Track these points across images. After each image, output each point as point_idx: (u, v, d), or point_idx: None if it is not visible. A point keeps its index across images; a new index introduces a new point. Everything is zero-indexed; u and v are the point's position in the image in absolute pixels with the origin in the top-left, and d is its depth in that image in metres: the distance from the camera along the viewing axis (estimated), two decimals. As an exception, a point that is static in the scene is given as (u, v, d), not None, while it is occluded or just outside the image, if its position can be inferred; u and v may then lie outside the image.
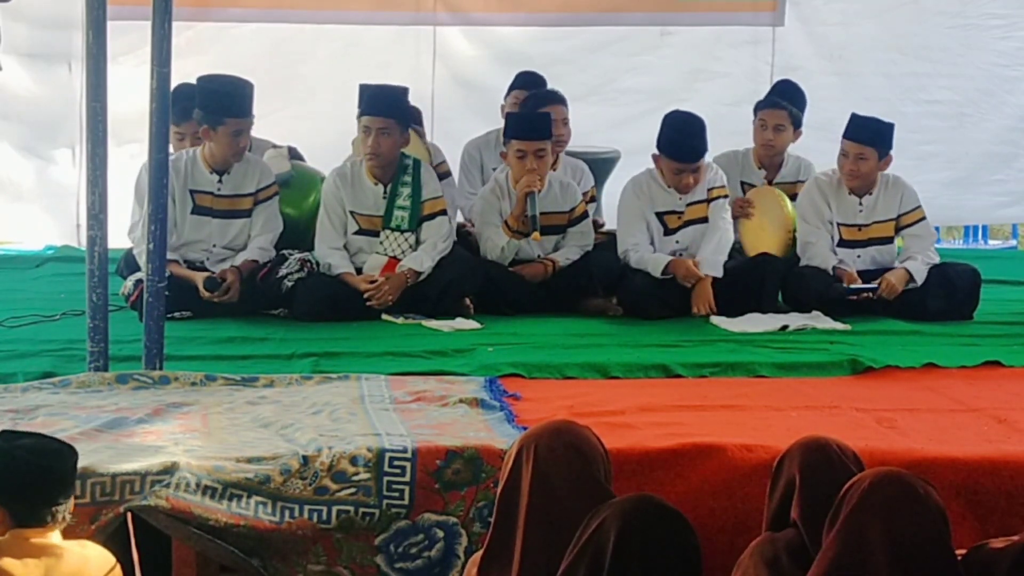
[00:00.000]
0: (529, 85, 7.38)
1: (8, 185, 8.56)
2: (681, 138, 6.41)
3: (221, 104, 6.28)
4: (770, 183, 7.13)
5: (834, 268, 6.49)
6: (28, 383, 4.84)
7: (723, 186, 6.61)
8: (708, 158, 6.62)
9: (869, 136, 6.50)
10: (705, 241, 6.48)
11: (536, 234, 6.43)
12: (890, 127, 6.56)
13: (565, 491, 3.30)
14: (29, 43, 8.22)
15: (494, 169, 7.10)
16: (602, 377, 5.22)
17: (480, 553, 3.47)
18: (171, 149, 6.44)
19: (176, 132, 6.62)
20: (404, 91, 6.59)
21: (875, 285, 6.34)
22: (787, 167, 7.18)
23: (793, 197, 7.01)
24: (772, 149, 7.10)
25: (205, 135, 6.32)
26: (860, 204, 6.58)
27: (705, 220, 6.54)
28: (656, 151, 6.49)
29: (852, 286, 6.37)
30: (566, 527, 3.16)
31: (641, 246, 6.47)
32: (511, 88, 7.50)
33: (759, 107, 7.17)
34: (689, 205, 6.53)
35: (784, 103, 7.13)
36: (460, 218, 7.13)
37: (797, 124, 7.12)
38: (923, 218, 6.62)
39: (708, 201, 6.54)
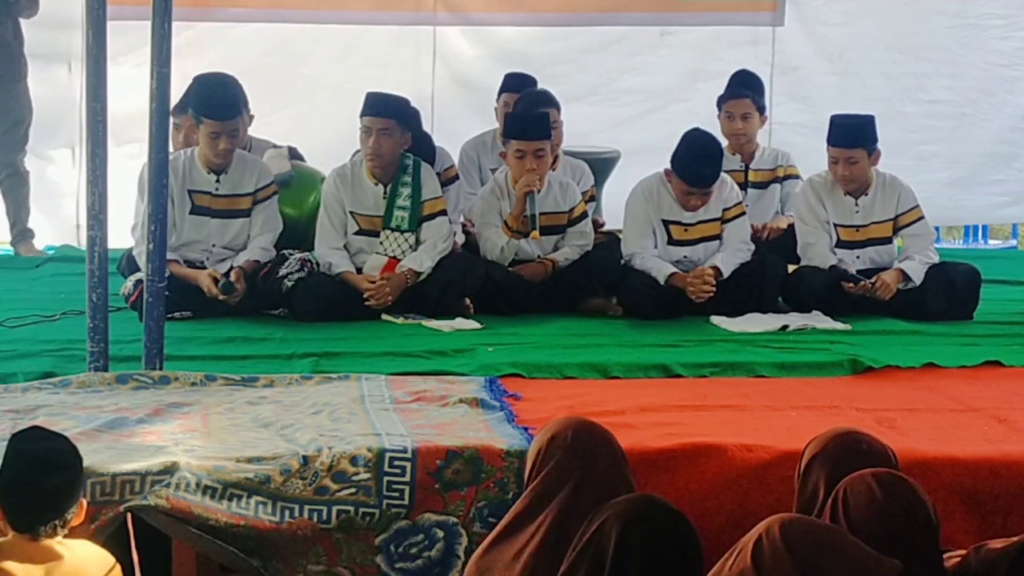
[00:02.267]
0: (520, 86, 7.37)
1: (6, 185, 8.55)
2: (694, 163, 6.37)
3: (200, 104, 6.31)
4: (747, 168, 7.19)
5: (833, 268, 6.48)
6: (28, 383, 4.84)
7: (739, 203, 6.60)
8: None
9: (854, 138, 6.47)
10: (719, 252, 6.48)
11: (535, 233, 6.43)
12: (871, 121, 6.53)
13: (605, 489, 3.32)
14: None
15: (492, 170, 7.10)
16: (602, 377, 5.22)
17: (500, 525, 3.48)
18: (172, 147, 6.51)
19: (174, 123, 6.63)
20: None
21: (873, 280, 6.33)
22: (762, 156, 7.27)
23: (767, 183, 7.17)
24: (743, 137, 7.19)
25: (191, 132, 6.37)
26: (856, 205, 6.57)
27: (717, 237, 6.54)
28: (669, 166, 6.46)
29: (851, 272, 6.37)
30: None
31: (647, 251, 6.46)
32: (501, 90, 7.49)
33: (723, 100, 7.25)
34: (701, 222, 6.51)
35: (747, 91, 7.24)
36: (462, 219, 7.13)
37: (761, 110, 7.27)
38: (921, 217, 6.61)
39: (723, 221, 6.53)
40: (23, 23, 8.15)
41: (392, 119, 6.33)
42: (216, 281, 6.13)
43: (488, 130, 7.50)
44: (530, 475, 3.50)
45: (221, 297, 6.12)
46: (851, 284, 6.34)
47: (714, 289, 6.27)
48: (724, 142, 6.93)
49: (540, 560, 3.28)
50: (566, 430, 3.47)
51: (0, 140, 8.15)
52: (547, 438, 3.49)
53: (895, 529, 3.05)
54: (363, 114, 6.36)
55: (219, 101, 6.30)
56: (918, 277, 6.40)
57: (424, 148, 6.72)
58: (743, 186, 7.08)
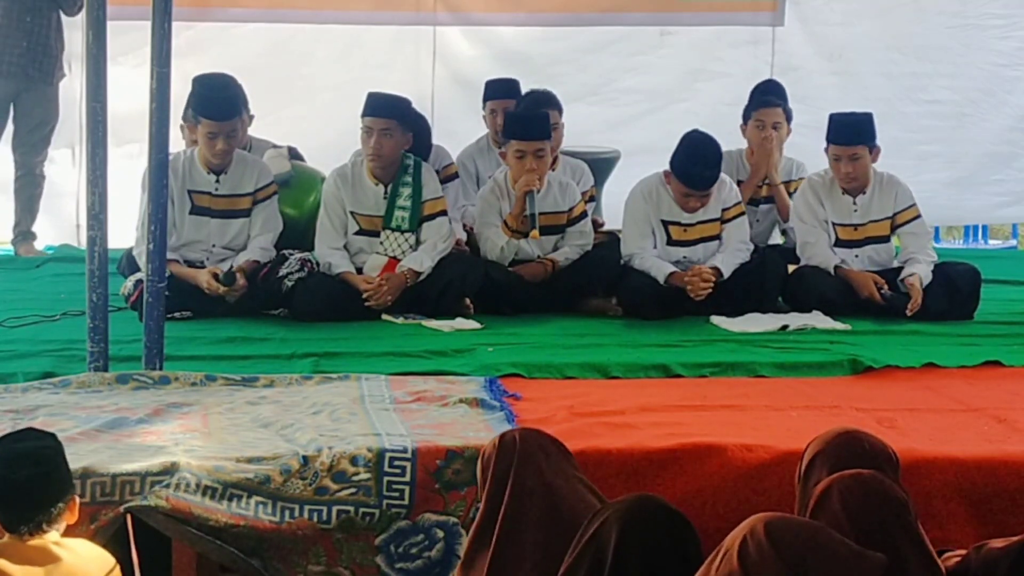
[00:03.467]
0: (503, 92, 7.33)
1: (7, 185, 8.55)
2: (693, 165, 6.36)
3: (198, 104, 6.31)
4: (764, 180, 7.10)
5: (836, 268, 6.49)
6: (28, 383, 4.84)
7: (738, 203, 6.59)
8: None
9: (856, 134, 6.47)
10: (719, 252, 6.48)
11: (535, 232, 6.43)
12: (870, 118, 6.53)
13: (540, 493, 3.34)
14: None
15: (490, 176, 7.09)
16: (602, 377, 5.22)
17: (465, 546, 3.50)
18: (184, 146, 6.52)
19: (185, 128, 6.64)
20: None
21: (908, 308, 6.26)
22: (779, 167, 7.14)
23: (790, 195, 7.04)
24: (771, 146, 7.06)
25: (191, 131, 6.37)
26: (854, 204, 6.57)
27: (716, 238, 6.53)
28: (669, 167, 6.45)
29: (886, 293, 6.34)
30: (566, 528, 3.17)
31: (646, 252, 6.46)
32: (485, 98, 7.45)
33: (752, 108, 7.12)
34: (700, 223, 6.51)
35: (778, 100, 7.15)
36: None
37: (789, 119, 7.16)
38: (918, 216, 6.61)
39: (722, 221, 6.53)
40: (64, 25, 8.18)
41: (393, 119, 6.33)
42: (216, 276, 6.13)
43: (483, 135, 7.49)
44: (479, 495, 3.54)
45: (222, 290, 6.12)
46: (883, 301, 6.33)
47: (712, 287, 6.26)
48: (733, 146, 6.90)
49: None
50: (490, 450, 3.52)
51: (23, 139, 8.16)
52: (478, 462, 3.53)
53: (884, 527, 3.05)
54: (364, 114, 6.36)
55: (217, 101, 6.29)
56: (928, 279, 6.39)
57: (421, 142, 6.70)
58: (758, 200, 7.04)
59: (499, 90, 7.41)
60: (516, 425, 4.34)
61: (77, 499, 3.54)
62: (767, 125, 7.05)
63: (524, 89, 7.39)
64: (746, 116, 7.13)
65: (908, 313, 6.24)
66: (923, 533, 3.14)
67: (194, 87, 6.43)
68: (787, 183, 7.10)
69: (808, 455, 3.48)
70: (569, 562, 3.07)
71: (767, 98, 7.17)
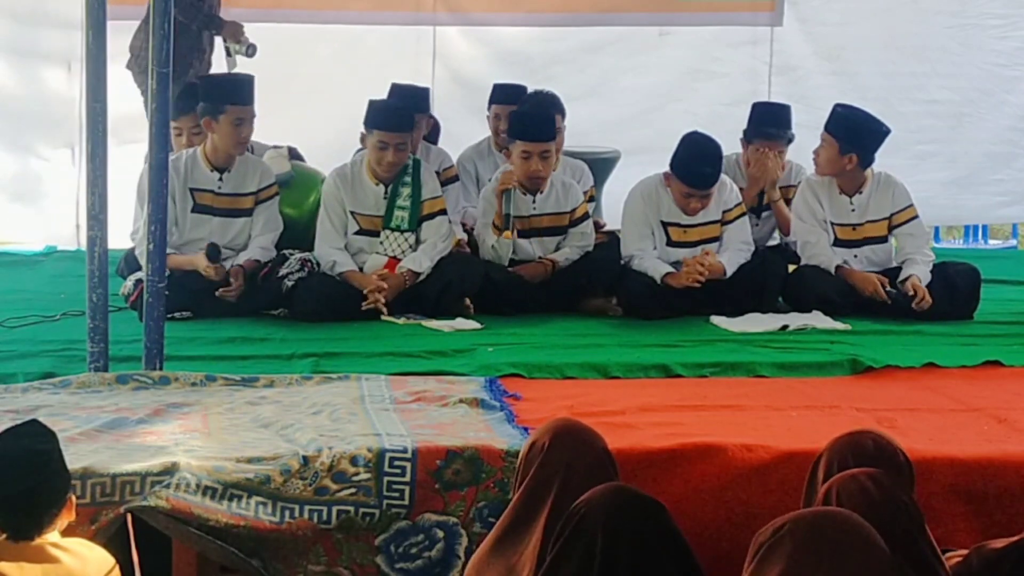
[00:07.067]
0: (509, 97, 7.33)
1: (7, 185, 8.55)
2: (694, 163, 6.36)
3: (222, 92, 6.32)
4: (762, 190, 7.07)
5: (838, 268, 6.48)
6: (28, 383, 4.84)
7: (739, 204, 6.58)
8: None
9: (832, 125, 6.49)
10: (721, 252, 6.46)
11: (508, 233, 6.42)
12: (864, 127, 6.52)
13: (585, 492, 3.34)
14: (29, 42, 8.22)
15: (490, 179, 7.09)
16: (602, 377, 5.22)
17: (492, 535, 3.48)
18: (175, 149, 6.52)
19: (174, 127, 6.64)
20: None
21: (919, 300, 6.27)
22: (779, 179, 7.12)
23: (788, 202, 6.99)
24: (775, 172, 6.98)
25: (207, 126, 6.34)
26: (852, 203, 6.58)
27: (716, 239, 6.53)
28: (669, 169, 6.45)
29: (891, 290, 6.34)
30: None
31: (646, 253, 6.46)
32: (491, 101, 7.44)
33: (753, 136, 6.91)
34: (700, 224, 6.51)
35: (781, 133, 6.95)
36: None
37: (791, 141, 7.04)
38: (916, 216, 6.61)
39: (723, 223, 6.52)
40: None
41: (408, 132, 6.36)
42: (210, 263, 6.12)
43: (483, 138, 7.48)
44: (516, 483, 3.51)
45: (214, 269, 6.11)
46: (888, 300, 6.33)
47: (704, 277, 6.25)
48: (730, 149, 6.87)
49: (539, 568, 3.29)
50: (544, 436, 3.47)
51: None
52: (528, 445, 3.51)
53: (889, 528, 3.05)
54: (378, 127, 6.31)
55: (240, 87, 6.34)
56: (927, 279, 6.40)
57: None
58: (759, 209, 6.98)
59: (506, 95, 7.40)
60: (516, 425, 4.34)
61: (74, 499, 3.53)
62: (767, 153, 6.90)
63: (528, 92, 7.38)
64: (747, 137, 6.96)
65: (917, 308, 6.23)
66: (929, 541, 3.13)
67: (209, 82, 6.45)
68: (787, 187, 7.01)
69: (820, 457, 3.48)
70: (551, 559, 3.07)
71: (769, 131, 6.93)
